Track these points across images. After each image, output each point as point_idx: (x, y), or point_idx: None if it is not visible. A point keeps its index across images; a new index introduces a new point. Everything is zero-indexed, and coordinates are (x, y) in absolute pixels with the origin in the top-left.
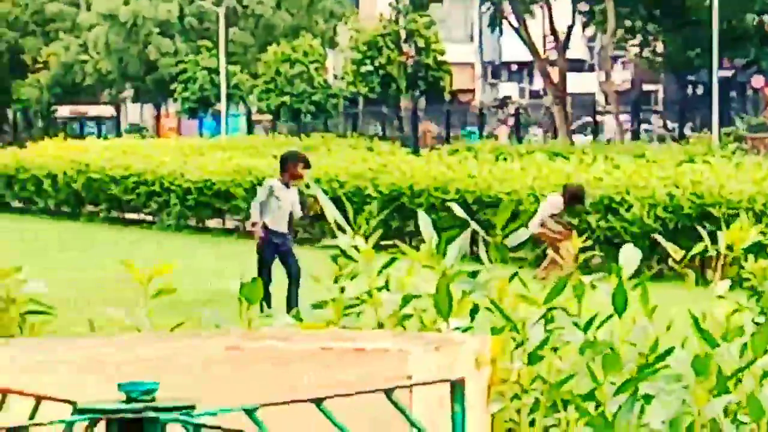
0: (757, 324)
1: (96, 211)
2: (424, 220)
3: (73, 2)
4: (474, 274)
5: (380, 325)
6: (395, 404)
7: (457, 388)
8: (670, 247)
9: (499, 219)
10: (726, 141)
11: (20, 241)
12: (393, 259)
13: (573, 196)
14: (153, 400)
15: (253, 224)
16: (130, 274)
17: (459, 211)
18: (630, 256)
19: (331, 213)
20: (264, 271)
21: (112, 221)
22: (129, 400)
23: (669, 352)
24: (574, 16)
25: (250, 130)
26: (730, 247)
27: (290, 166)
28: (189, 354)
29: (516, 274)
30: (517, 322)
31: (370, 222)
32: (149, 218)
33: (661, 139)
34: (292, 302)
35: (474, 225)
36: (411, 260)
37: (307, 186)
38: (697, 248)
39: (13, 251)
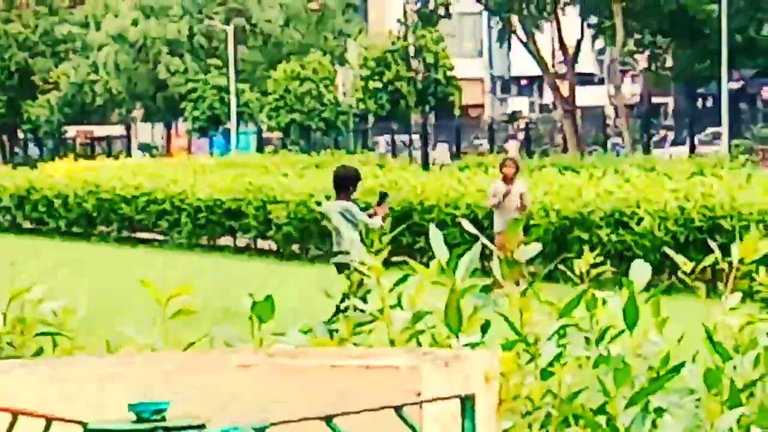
0: None
1: (107, 230)
2: (435, 236)
3: (82, 23)
4: (485, 290)
5: (392, 342)
6: (405, 421)
7: (467, 404)
8: (679, 259)
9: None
10: (736, 153)
11: (32, 262)
12: (406, 276)
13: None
14: (163, 419)
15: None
16: (147, 294)
17: (469, 227)
18: (641, 270)
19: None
20: None
21: (124, 241)
22: (139, 420)
23: (681, 365)
24: (582, 30)
25: (260, 148)
26: (741, 260)
27: (352, 186)
28: (199, 372)
29: (528, 288)
30: (529, 337)
31: (382, 238)
32: (160, 237)
33: (672, 151)
34: None
35: (484, 240)
36: (421, 276)
37: (318, 203)
38: (708, 260)
39: (25, 272)
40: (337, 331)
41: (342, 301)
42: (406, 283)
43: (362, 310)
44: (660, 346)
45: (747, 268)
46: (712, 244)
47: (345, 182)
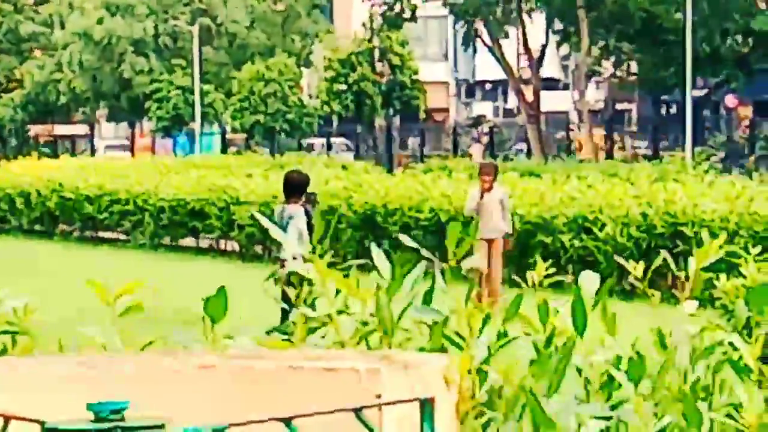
0: (730, 344)
1: (70, 230)
2: (377, 253)
3: (47, 22)
4: (429, 294)
5: (341, 346)
6: (364, 423)
7: (426, 407)
8: (629, 265)
9: (449, 239)
10: (699, 160)
11: None
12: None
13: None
14: (122, 419)
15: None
16: (97, 294)
17: (408, 242)
18: (589, 278)
19: (276, 234)
20: None
21: (86, 240)
22: (98, 420)
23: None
24: (547, 35)
25: (224, 149)
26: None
27: (301, 190)
28: (159, 373)
29: (469, 293)
30: (465, 340)
31: (323, 242)
32: (123, 237)
33: (634, 158)
34: None
35: (426, 253)
36: (344, 287)
37: (260, 206)
38: (656, 263)
39: None
40: (289, 334)
41: (290, 306)
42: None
43: (309, 317)
44: (612, 352)
45: (707, 276)
46: (663, 252)
47: (295, 187)
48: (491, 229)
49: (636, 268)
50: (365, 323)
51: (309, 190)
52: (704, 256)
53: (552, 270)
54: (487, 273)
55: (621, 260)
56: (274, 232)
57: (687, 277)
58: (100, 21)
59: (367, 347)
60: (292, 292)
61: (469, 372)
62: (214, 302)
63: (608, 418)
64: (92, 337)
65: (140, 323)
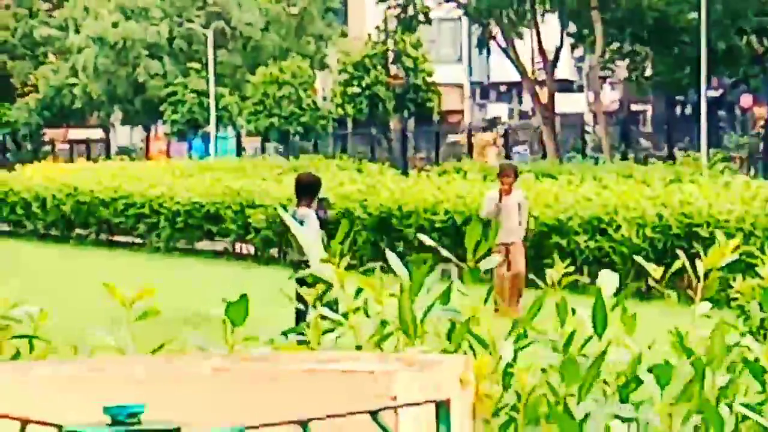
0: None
1: (85, 234)
2: (392, 258)
3: (62, 26)
4: (447, 295)
5: (358, 348)
6: (381, 426)
7: (442, 409)
8: (649, 267)
9: (468, 240)
10: (714, 160)
11: (9, 264)
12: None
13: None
14: (139, 422)
15: None
16: (114, 298)
17: (428, 241)
18: (609, 278)
19: (298, 234)
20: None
21: (102, 244)
22: (114, 423)
23: (639, 380)
24: (562, 37)
25: (239, 152)
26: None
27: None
28: (175, 376)
29: (489, 295)
30: (490, 343)
31: (344, 244)
32: (139, 241)
33: (650, 159)
34: None
35: (444, 252)
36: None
37: (275, 209)
38: (676, 266)
39: (2, 274)
40: (304, 336)
41: (306, 308)
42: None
43: (325, 317)
44: (630, 353)
45: (724, 276)
46: (680, 252)
47: (306, 189)
48: (510, 232)
49: (656, 270)
50: (384, 323)
51: (323, 194)
52: (718, 257)
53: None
54: (509, 277)
55: (641, 260)
56: (296, 231)
57: (700, 278)
58: (114, 25)
59: (380, 349)
60: (307, 294)
61: (493, 373)
62: (236, 307)
63: (630, 420)
64: (106, 341)
65: (155, 327)
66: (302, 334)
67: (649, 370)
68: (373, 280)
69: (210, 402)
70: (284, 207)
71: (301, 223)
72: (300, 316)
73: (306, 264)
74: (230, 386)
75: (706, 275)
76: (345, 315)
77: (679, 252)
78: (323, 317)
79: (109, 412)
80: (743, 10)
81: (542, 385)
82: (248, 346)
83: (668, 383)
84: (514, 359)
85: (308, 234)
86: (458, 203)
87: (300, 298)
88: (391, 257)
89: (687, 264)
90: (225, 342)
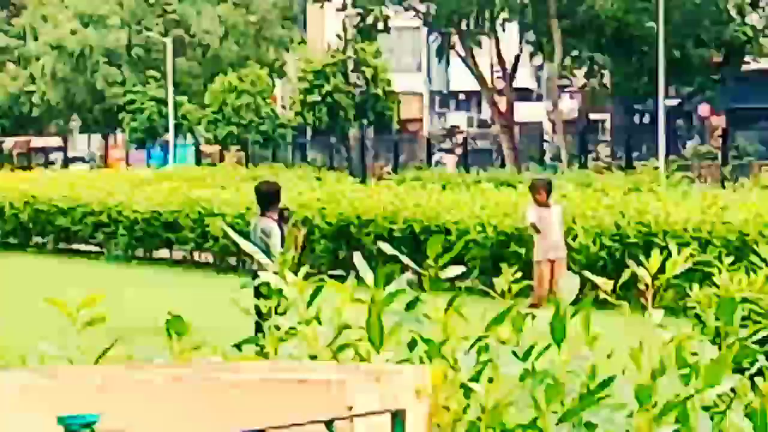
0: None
1: (43, 242)
2: (359, 262)
3: (20, 34)
4: (410, 306)
5: (313, 358)
6: None
7: (397, 419)
8: (598, 280)
9: (430, 251)
10: (672, 170)
11: None
12: (319, 289)
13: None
14: None
15: None
16: (60, 309)
17: (388, 249)
18: (569, 282)
19: (245, 246)
20: None
21: (61, 252)
22: None
23: (610, 380)
24: (521, 46)
25: (198, 161)
26: (656, 275)
27: (275, 201)
28: (127, 385)
29: (451, 303)
30: (448, 353)
31: (295, 254)
32: (97, 249)
33: (608, 168)
34: None
35: (406, 260)
36: (341, 292)
37: (234, 217)
38: (625, 276)
39: None
40: (261, 346)
41: (261, 317)
42: (321, 297)
43: (278, 327)
44: (589, 361)
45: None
46: (630, 262)
47: (269, 198)
48: (554, 247)
49: (606, 283)
50: (342, 330)
51: (283, 204)
52: (672, 266)
53: (525, 281)
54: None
55: (589, 274)
56: (243, 244)
57: (649, 287)
58: (73, 32)
59: (336, 359)
60: (263, 304)
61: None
62: (175, 322)
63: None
64: (54, 350)
65: (111, 336)
66: (258, 344)
67: (604, 384)
68: (339, 286)
69: (166, 411)
70: (241, 217)
71: (268, 234)
72: (259, 326)
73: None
74: (186, 395)
75: (662, 284)
76: (307, 323)
77: (630, 262)
78: (277, 327)
79: (63, 421)
80: (701, 19)
81: (505, 397)
82: (196, 355)
83: (648, 397)
84: (479, 371)
85: (275, 244)
86: (417, 212)
87: (258, 308)
88: (357, 259)
89: (639, 273)
90: (170, 352)
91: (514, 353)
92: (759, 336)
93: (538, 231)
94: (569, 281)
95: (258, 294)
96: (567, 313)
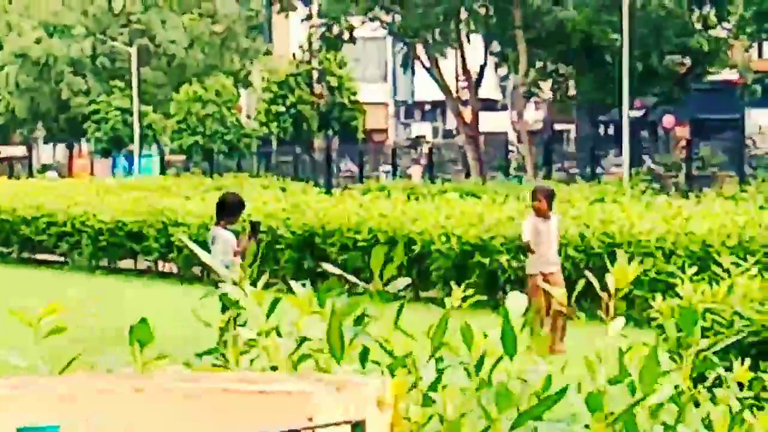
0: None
1: (8, 251)
2: (296, 286)
3: None
4: (360, 318)
5: (274, 369)
6: None
7: (357, 430)
8: (552, 290)
9: (374, 264)
10: (636, 180)
11: None
12: (276, 301)
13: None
14: None
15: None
16: (19, 319)
17: (332, 269)
18: (516, 299)
19: (204, 258)
20: None
21: (25, 262)
22: None
23: (564, 390)
24: (486, 57)
25: (163, 171)
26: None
27: (236, 211)
28: (89, 395)
29: (399, 312)
30: (408, 363)
31: (253, 265)
32: (61, 259)
33: (573, 179)
34: None
35: (351, 278)
36: (299, 305)
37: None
38: (579, 287)
39: None
40: (223, 356)
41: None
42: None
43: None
44: (542, 372)
45: (644, 296)
46: (588, 273)
47: (223, 208)
48: (550, 261)
49: (562, 295)
50: (301, 344)
51: (248, 215)
52: (625, 277)
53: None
54: (551, 313)
55: (546, 286)
56: (201, 254)
57: (603, 298)
58: (37, 41)
59: (295, 370)
60: (223, 315)
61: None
62: (139, 330)
63: None
64: (16, 361)
65: (74, 346)
66: (222, 355)
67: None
68: (295, 299)
69: (126, 422)
70: (205, 227)
71: (213, 242)
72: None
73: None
74: (147, 406)
75: (619, 295)
76: (266, 334)
77: (588, 273)
78: (235, 339)
79: (23, 431)
80: (665, 31)
81: (463, 407)
82: (159, 365)
83: (600, 410)
84: (438, 381)
85: (215, 253)
86: (382, 222)
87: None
88: (295, 285)
89: (595, 284)
90: (134, 362)
91: (465, 366)
92: (720, 347)
93: (531, 251)
94: (516, 297)
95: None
96: (516, 324)
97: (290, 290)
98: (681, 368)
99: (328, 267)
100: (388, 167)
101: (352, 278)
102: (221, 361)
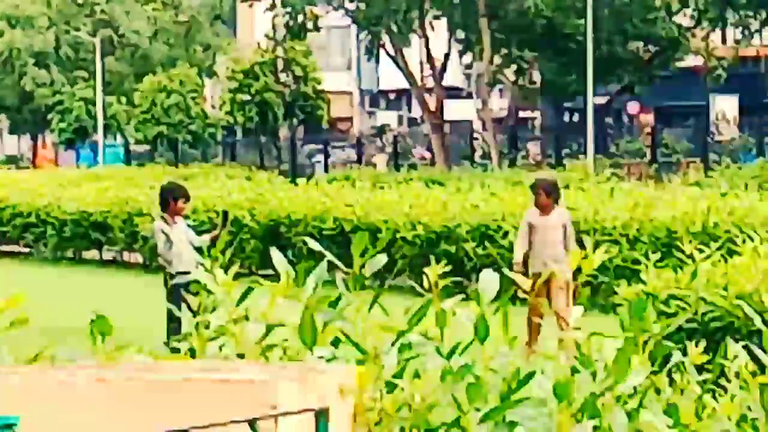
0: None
1: None
2: (277, 257)
3: None
4: (335, 303)
5: (241, 357)
6: None
7: (321, 418)
8: (517, 278)
9: (355, 249)
10: (601, 167)
11: None
12: (250, 289)
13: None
14: None
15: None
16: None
17: (314, 245)
18: (489, 281)
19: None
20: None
21: None
22: None
23: (530, 375)
24: (450, 44)
25: (127, 161)
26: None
27: (171, 202)
28: (50, 386)
29: (375, 300)
30: (372, 351)
31: (225, 252)
32: (26, 250)
33: (538, 166)
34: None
35: (330, 256)
36: (269, 290)
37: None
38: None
39: None
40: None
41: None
42: (252, 296)
43: (207, 326)
44: (511, 359)
45: (609, 283)
46: (548, 261)
47: (162, 199)
48: (546, 260)
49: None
50: (271, 329)
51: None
52: (588, 264)
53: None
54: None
55: (512, 274)
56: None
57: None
58: (0, 34)
59: (265, 358)
60: (190, 301)
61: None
62: (99, 323)
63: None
64: None
65: (38, 337)
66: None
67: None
68: (269, 285)
69: (88, 412)
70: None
71: (152, 235)
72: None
73: (181, 274)
74: (109, 396)
75: (582, 282)
76: (235, 322)
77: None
78: (207, 326)
79: None
80: (629, 17)
81: (430, 395)
82: (122, 355)
83: (567, 398)
84: (403, 369)
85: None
86: (347, 211)
87: (189, 306)
88: (275, 255)
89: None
90: (94, 353)
91: (438, 351)
92: (683, 331)
93: (526, 267)
94: (489, 279)
95: (170, 294)
96: (488, 311)
97: (257, 280)
98: (639, 354)
99: (312, 243)
100: (321, 157)
101: (331, 258)
102: (189, 345)
